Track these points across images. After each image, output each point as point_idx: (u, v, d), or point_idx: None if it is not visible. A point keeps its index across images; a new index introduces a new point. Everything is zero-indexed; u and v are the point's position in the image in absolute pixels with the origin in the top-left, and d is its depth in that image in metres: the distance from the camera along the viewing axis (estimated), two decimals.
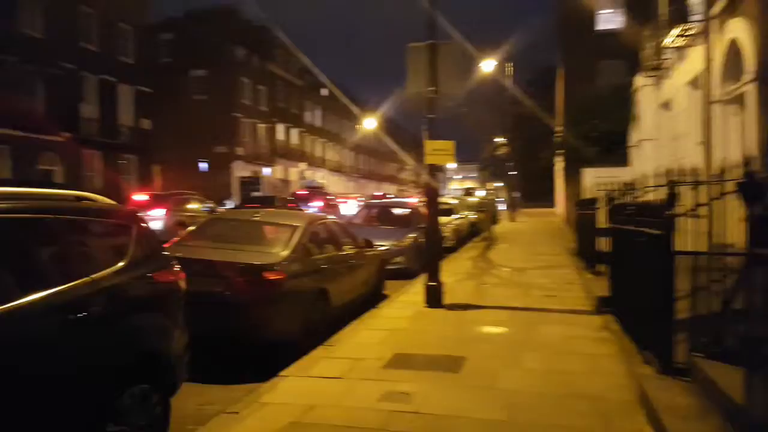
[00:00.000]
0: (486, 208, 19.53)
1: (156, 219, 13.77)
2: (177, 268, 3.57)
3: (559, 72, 34.83)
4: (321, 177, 54.05)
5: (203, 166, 38.39)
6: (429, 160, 7.94)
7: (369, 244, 8.45)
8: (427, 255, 8.26)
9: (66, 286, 2.62)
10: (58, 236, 2.74)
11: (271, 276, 5.15)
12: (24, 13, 23.41)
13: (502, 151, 36.85)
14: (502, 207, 44.92)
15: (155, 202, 14.83)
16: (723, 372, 3.98)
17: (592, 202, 10.92)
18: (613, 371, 5.03)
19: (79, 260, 2.82)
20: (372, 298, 8.47)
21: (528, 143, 38.36)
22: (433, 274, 8.02)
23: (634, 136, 15.87)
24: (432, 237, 8.15)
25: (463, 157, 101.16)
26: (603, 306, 7.52)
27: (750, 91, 7.06)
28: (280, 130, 47.80)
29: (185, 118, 37.29)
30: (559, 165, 32.97)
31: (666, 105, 13.00)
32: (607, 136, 16.26)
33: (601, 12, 30.68)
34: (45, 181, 19.66)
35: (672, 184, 5.60)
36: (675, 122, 11.94)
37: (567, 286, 9.64)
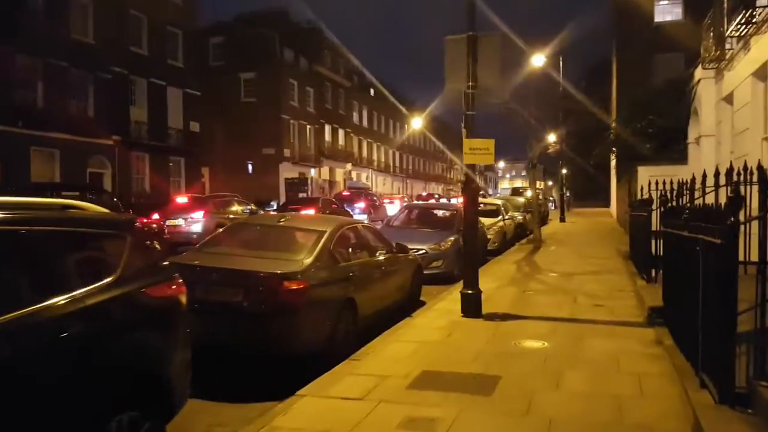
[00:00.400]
0: (533, 209, 18.81)
1: (195, 221, 13.86)
2: (178, 281, 3.32)
3: (614, 66, 33.47)
4: (366, 177, 54.05)
5: (249, 167, 38.99)
6: (468, 159, 7.51)
7: (403, 249, 8.08)
8: (464, 260, 7.83)
9: (41, 305, 2.40)
10: (36, 250, 2.54)
11: (293, 285, 4.88)
12: (74, 17, 24.09)
13: (552, 148, 35.72)
14: (552, 207, 43.66)
15: (195, 204, 14.89)
16: None
17: (647, 202, 10.21)
18: (666, 395, 4.52)
19: (60, 276, 2.61)
20: (407, 306, 8.13)
21: (580, 140, 36.99)
22: (471, 281, 7.59)
23: (692, 133, 14.88)
24: (469, 241, 7.72)
25: (514, 155, 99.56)
26: (656, 317, 6.94)
27: None
28: (326, 131, 48.02)
29: (234, 120, 37.96)
30: (613, 163, 31.65)
31: (728, 98, 12.06)
32: (664, 132, 15.33)
33: (659, 3, 29.28)
34: (85, 185, 20.25)
35: (737, 185, 5.00)
36: (738, 117, 11.04)
37: (617, 294, 9.01)
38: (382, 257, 7.43)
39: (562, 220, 29.66)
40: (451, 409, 4.08)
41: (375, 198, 30.82)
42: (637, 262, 11.12)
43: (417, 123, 51.82)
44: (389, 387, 4.52)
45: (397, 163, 64.45)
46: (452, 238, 11.47)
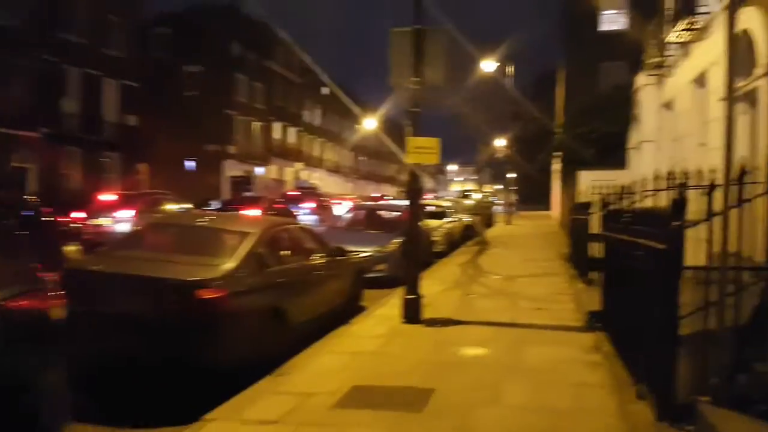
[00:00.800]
0: (480, 211, 18.79)
1: (122, 220, 12.96)
2: (53, 292, 2.83)
3: (560, 74, 34.18)
4: (317, 177, 53.33)
5: (190, 164, 37.62)
6: (410, 159, 7.20)
7: (341, 252, 7.69)
8: (406, 264, 7.51)
9: None
10: None
11: (208, 294, 4.39)
12: None
13: (501, 153, 36.24)
14: (499, 210, 44.21)
15: (124, 202, 13.97)
16: (733, 424, 3.27)
17: (586, 206, 10.21)
18: (605, 409, 4.31)
19: None
20: (347, 311, 7.75)
21: (527, 146, 37.68)
22: (412, 286, 7.28)
23: (633, 138, 15.15)
24: (411, 244, 7.41)
25: (465, 158, 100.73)
26: (595, 321, 6.82)
27: (762, 86, 6.33)
28: (276, 128, 47.05)
29: (177, 114, 36.49)
30: (556, 167, 32.28)
31: (668, 105, 12.28)
32: (606, 138, 15.56)
33: (605, 12, 30.03)
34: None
35: (682, 188, 4.86)
36: (677, 123, 11.22)
37: (558, 297, 8.92)
38: (317, 261, 7.02)
39: (508, 222, 29.96)
40: (377, 429, 3.72)
41: (324, 199, 30.24)
42: (577, 264, 11.13)
43: (370, 123, 51.51)
44: (313, 407, 4.12)
45: (350, 164, 63.97)
46: (398, 241, 11.16)
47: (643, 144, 13.72)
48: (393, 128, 72.47)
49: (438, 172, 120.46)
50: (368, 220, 12.96)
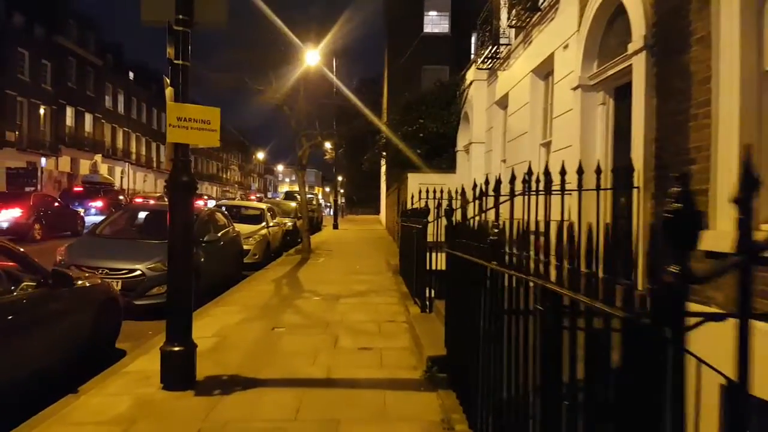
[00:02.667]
0: (303, 215, 16.67)
1: None
2: None
3: (385, 73, 33.58)
4: (122, 172, 47.01)
5: None
6: (174, 136, 4.77)
7: (64, 281, 4.99)
8: (169, 300, 5.03)
9: None
10: None
11: None
12: None
13: (328, 155, 34.54)
14: (327, 213, 42.68)
15: None
16: None
17: (422, 213, 8.58)
18: None
19: None
20: (85, 365, 5.09)
21: (354, 147, 36.55)
22: (179, 332, 4.85)
23: (461, 139, 14.20)
24: (177, 270, 4.95)
25: (293, 159, 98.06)
26: (437, 370, 5.06)
27: (638, 64, 5.04)
28: (68, 114, 40.20)
29: None
30: (383, 170, 31.48)
31: (501, 102, 11.30)
32: (435, 138, 14.44)
33: (427, 13, 29.87)
34: None
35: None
36: (513, 121, 10.18)
37: (388, 328, 7.08)
38: (14, 298, 4.27)
39: (335, 227, 28.36)
40: None
41: (121, 197, 25.83)
42: (408, 279, 9.56)
43: None
44: None
45: (162, 158, 57.68)
46: None
47: (473, 145, 12.72)
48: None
49: (266, 172, 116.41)
50: (146, 224, 10.00)
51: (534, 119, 9.18)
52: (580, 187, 4.84)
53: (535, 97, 9.20)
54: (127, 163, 48.45)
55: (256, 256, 13.30)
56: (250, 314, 7.85)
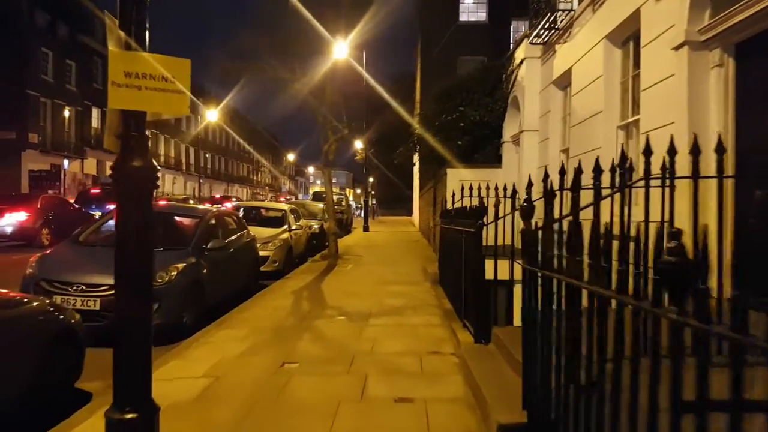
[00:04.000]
0: (330, 216, 15.11)
1: None
2: None
3: (418, 65, 31.84)
4: None
5: None
6: (119, 100, 3.12)
7: None
8: (116, 339, 3.44)
9: None
10: None
11: None
12: None
13: (359, 155, 33.01)
14: (359, 214, 41.24)
15: None
16: None
17: (470, 213, 6.88)
18: None
19: None
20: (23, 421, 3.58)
21: (386, 146, 34.94)
22: (130, 388, 3.25)
23: (509, 129, 12.41)
24: (127, 293, 3.35)
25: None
26: None
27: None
28: (94, 115, 39.64)
29: None
30: (416, 168, 29.74)
31: (561, 80, 9.51)
32: (478, 128, 12.67)
33: (463, 1, 28.07)
34: None
35: None
36: (578, 101, 8.38)
37: (434, 364, 5.41)
38: None
39: (366, 228, 26.76)
40: None
41: None
42: (453, 293, 7.89)
43: (212, 115, 45.96)
44: None
45: (192, 161, 57.15)
46: (182, 265, 7.01)
47: (525, 134, 10.92)
48: (243, 124, 66.93)
49: (297, 173, 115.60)
50: None
51: (610, 96, 7.39)
52: (696, 174, 3.19)
53: (610, 68, 7.40)
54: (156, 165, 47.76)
55: (276, 264, 11.77)
56: (258, 341, 6.28)
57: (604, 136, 7.44)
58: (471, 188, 9.31)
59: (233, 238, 8.96)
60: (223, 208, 11.08)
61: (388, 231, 27.79)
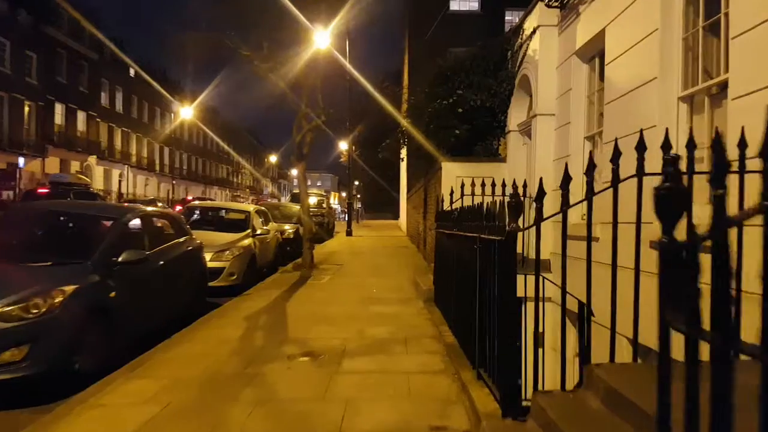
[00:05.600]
0: (304, 221, 13.02)
1: None
2: None
3: (406, 56, 29.92)
4: (119, 175, 43.89)
5: None
6: None
7: None
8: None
9: None
10: None
11: None
12: None
13: (344, 157, 30.86)
14: (344, 218, 39.25)
15: None
16: None
17: (485, 214, 4.82)
18: None
19: None
20: None
21: (371, 148, 32.92)
22: None
23: (515, 115, 10.45)
24: None
25: (310, 163, 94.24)
26: None
27: None
28: (58, 111, 37.08)
29: None
30: (403, 167, 27.73)
31: (587, 49, 7.56)
32: (479, 115, 10.69)
33: None
34: None
35: None
36: (619, 70, 6.42)
37: None
38: None
39: (349, 233, 24.68)
40: None
41: (98, 200, 22.45)
42: (457, 320, 5.93)
43: (187, 112, 43.57)
44: None
45: (167, 161, 54.56)
46: (72, 287, 4.89)
47: (538, 119, 8.95)
48: (222, 124, 64.29)
49: (280, 176, 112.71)
50: (44, 237, 6.32)
51: (668, 57, 5.44)
52: None
53: (668, 22, 5.45)
54: (126, 166, 45.28)
55: (234, 277, 9.68)
56: (174, 403, 4.21)
57: (659, 111, 5.49)
58: (475, 185, 7.41)
59: (165, 246, 6.84)
60: (153, 208, 8.93)
61: (373, 236, 25.74)
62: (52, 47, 35.89)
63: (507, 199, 4.06)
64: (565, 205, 3.35)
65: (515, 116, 10.50)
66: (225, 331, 6.53)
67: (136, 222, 6.61)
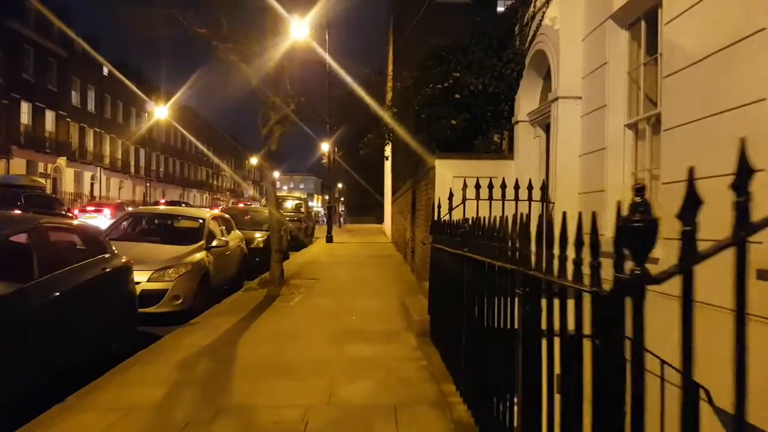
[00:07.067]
0: (272, 228, 11.11)
1: None
2: None
3: (390, 55, 28.17)
4: (91, 177, 41.60)
5: None
6: None
7: None
8: None
9: None
10: None
11: None
12: None
13: (326, 159, 29.11)
14: (321, 222, 37.56)
15: None
16: None
17: (502, 233, 2.94)
18: None
19: None
20: None
21: (353, 148, 31.06)
22: None
23: (525, 102, 8.62)
24: None
25: (291, 166, 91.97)
26: None
27: None
28: (24, 110, 34.78)
29: None
30: (387, 167, 25.87)
31: (636, 6, 5.76)
32: (480, 102, 8.87)
33: None
34: None
35: None
36: (700, 24, 4.61)
37: None
38: None
39: (329, 239, 22.78)
40: None
41: (55, 205, 20.30)
42: (469, 376, 4.10)
43: (162, 112, 41.40)
44: None
45: (142, 163, 52.20)
46: None
47: (560, 103, 7.13)
48: (201, 125, 62.07)
49: (262, 179, 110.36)
50: None
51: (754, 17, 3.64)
52: None
53: None
54: (99, 168, 42.93)
55: (179, 301, 7.73)
56: None
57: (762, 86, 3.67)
58: (480, 186, 5.68)
59: (66, 270, 4.91)
60: (58, 219, 7.00)
61: (355, 242, 23.84)
62: (17, 43, 33.62)
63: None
64: (744, 226, 1.50)
65: (525, 103, 8.69)
66: (141, 392, 4.62)
67: (21, 238, 4.71)
